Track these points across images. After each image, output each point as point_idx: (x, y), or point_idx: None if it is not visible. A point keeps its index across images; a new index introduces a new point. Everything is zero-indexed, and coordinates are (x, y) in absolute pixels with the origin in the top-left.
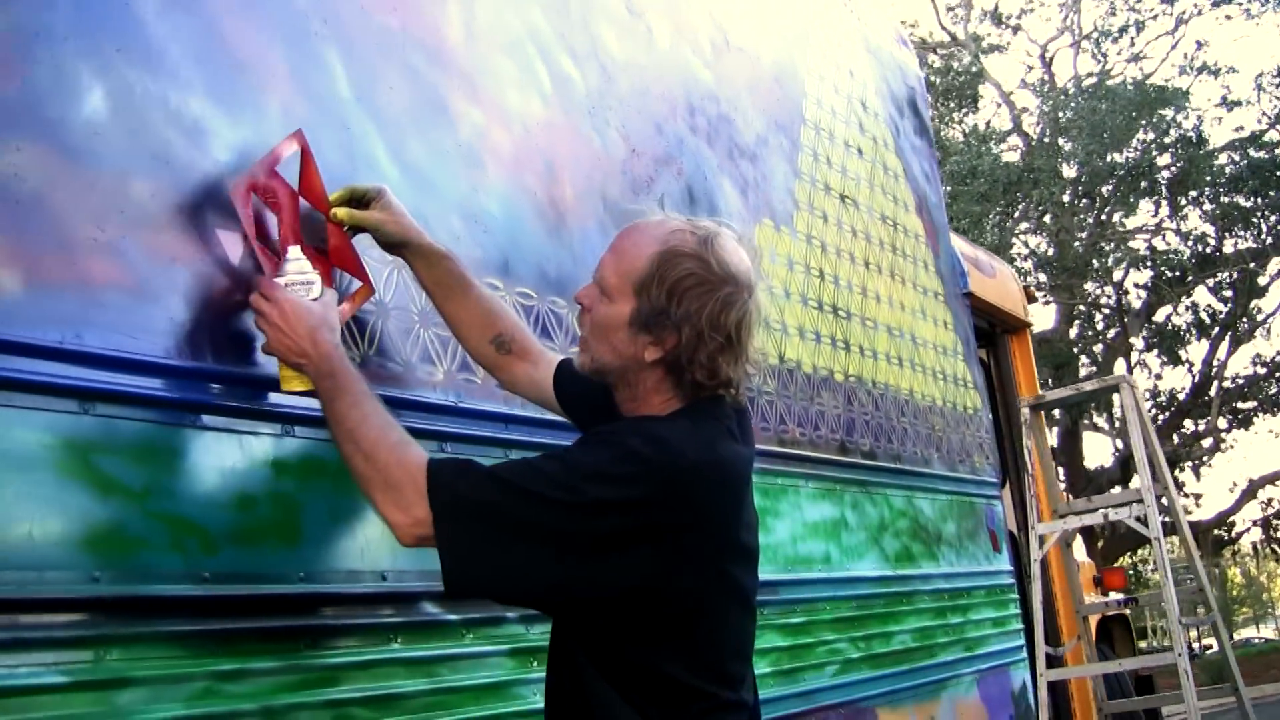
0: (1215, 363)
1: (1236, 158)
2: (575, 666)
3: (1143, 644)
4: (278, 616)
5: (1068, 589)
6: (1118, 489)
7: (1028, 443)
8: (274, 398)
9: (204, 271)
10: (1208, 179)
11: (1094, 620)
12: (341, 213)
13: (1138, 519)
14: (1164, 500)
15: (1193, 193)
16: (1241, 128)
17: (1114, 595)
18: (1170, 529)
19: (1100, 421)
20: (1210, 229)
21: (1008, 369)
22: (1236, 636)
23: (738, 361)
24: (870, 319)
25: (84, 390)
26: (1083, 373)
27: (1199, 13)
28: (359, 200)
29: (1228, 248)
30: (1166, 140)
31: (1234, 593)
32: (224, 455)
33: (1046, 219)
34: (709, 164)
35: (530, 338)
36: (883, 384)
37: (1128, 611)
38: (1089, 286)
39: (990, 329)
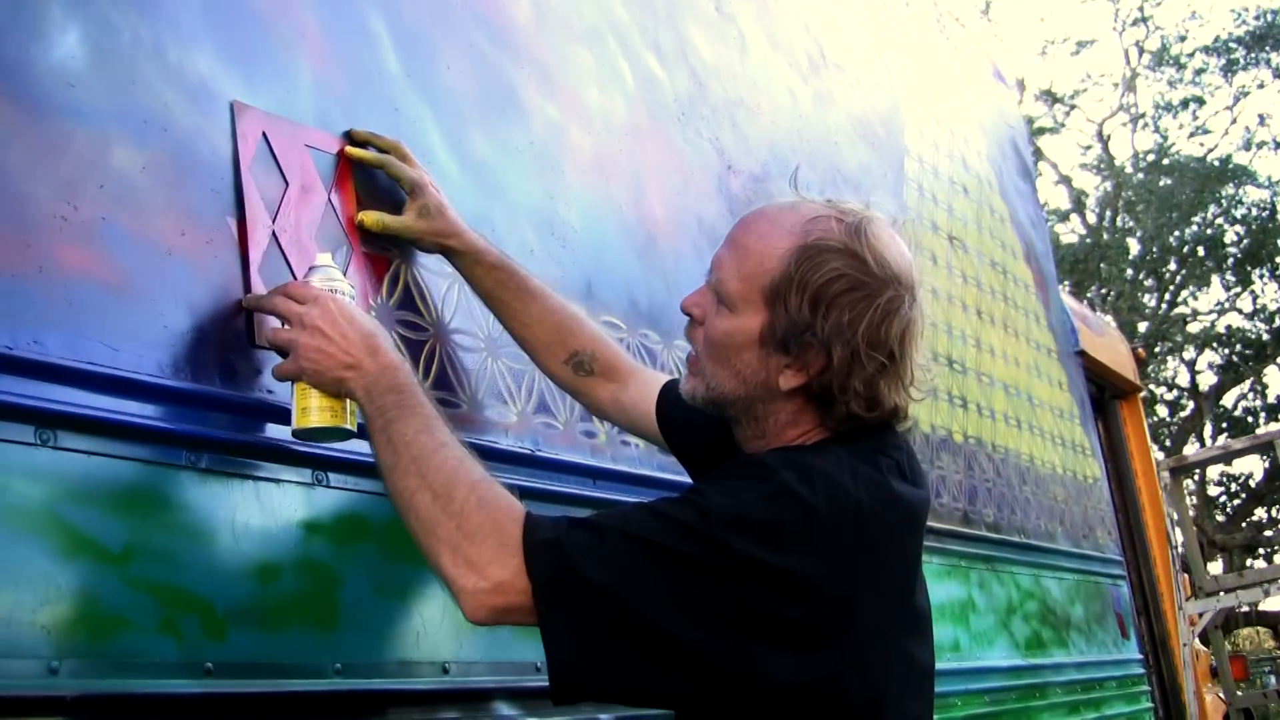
0: None
1: None
2: None
3: None
4: None
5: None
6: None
7: (1170, 510)
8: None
9: (210, 268)
10: None
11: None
12: (368, 219)
13: None
14: None
15: (1265, 267)
16: None
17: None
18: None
19: None
20: None
21: (1119, 438)
22: None
23: (901, 384)
24: (986, 374)
25: (44, 414)
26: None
27: (1260, 86)
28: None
29: None
30: (1236, 214)
31: None
32: (234, 508)
33: (1110, 297)
34: (811, 189)
35: (617, 353)
36: (1003, 448)
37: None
38: (1152, 369)
39: (1100, 393)
